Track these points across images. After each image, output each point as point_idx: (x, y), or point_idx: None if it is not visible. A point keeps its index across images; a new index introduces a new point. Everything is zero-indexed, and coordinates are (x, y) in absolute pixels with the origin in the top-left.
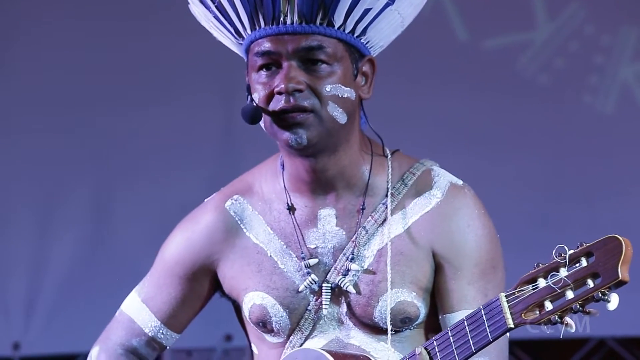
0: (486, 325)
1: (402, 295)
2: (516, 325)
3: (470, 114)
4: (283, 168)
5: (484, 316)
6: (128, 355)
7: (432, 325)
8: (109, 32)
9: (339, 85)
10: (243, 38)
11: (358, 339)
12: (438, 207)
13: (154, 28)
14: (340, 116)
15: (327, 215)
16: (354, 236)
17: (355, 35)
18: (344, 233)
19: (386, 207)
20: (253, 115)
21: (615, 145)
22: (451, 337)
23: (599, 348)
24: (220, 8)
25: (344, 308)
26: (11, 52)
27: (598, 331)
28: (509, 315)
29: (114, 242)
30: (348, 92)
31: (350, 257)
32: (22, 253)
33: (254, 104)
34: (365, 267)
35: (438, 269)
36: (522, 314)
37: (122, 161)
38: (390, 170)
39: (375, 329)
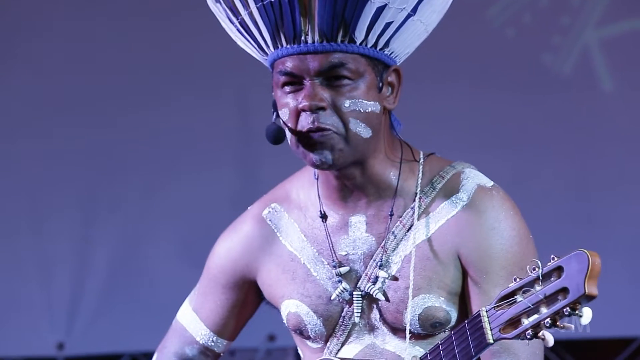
0: (470, 340)
1: (430, 301)
2: (495, 341)
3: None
4: (317, 177)
5: (467, 331)
6: None
7: None
8: (130, 32)
9: (361, 100)
10: (267, 54)
11: (393, 344)
12: (463, 211)
13: (178, 30)
14: (364, 131)
15: (358, 221)
16: (383, 242)
17: (378, 48)
18: (374, 239)
19: (414, 212)
20: (276, 135)
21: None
22: (442, 351)
23: None
24: (244, 24)
25: (376, 314)
26: (45, 52)
27: None
28: (488, 331)
29: (155, 244)
30: (372, 106)
31: (379, 263)
32: (65, 255)
33: (277, 125)
34: (393, 273)
35: (465, 273)
36: (501, 329)
37: (156, 164)
38: (420, 174)
39: (409, 334)
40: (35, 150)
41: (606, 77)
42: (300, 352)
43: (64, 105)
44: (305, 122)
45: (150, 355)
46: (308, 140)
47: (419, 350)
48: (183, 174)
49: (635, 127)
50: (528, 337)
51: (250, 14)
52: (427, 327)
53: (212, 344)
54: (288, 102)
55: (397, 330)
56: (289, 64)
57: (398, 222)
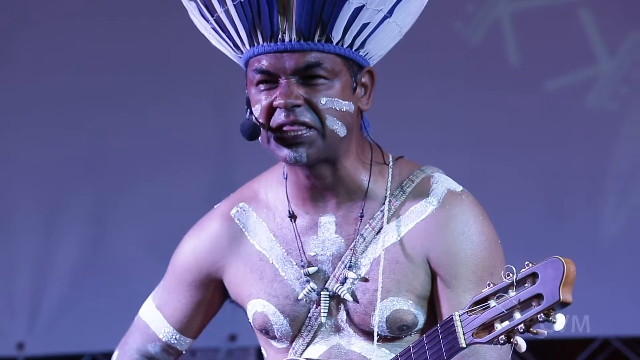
0: (442, 344)
1: (398, 304)
2: (467, 345)
3: None
4: (286, 177)
5: (440, 334)
6: None
7: None
8: (106, 32)
9: (337, 99)
10: (242, 52)
11: (359, 345)
12: (433, 215)
13: (150, 30)
14: (340, 129)
15: (327, 222)
16: (352, 244)
17: (353, 49)
18: (343, 240)
19: (383, 215)
20: (251, 131)
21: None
22: (413, 355)
23: (604, 348)
24: (219, 22)
25: (343, 315)
26: (14, 51)
27: (603, 331)
28: (461, 335)
29: (118, 244)
30: (347, 106)
31: (347, 265)
32: (27, 254)
33: (252, 121)
34: (362, 275)
35: (434, 276)
36: (474, 334)
37: (124, 163)
38: (390, 177)
39: (376, 336)
40: None
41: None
42: (264, 351)
43: (31, 105)
44: (279, 117)
45: (111, 355)
46: (282, 136)
47: (385, 352)
48: (155, 174)
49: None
50: (501, 342)
51: (227, 12)
52: (395, 330)
53: (175, 341)
54: (261, 98)
55: (363, 331)
56: (265, 62)
57: (367, 225)
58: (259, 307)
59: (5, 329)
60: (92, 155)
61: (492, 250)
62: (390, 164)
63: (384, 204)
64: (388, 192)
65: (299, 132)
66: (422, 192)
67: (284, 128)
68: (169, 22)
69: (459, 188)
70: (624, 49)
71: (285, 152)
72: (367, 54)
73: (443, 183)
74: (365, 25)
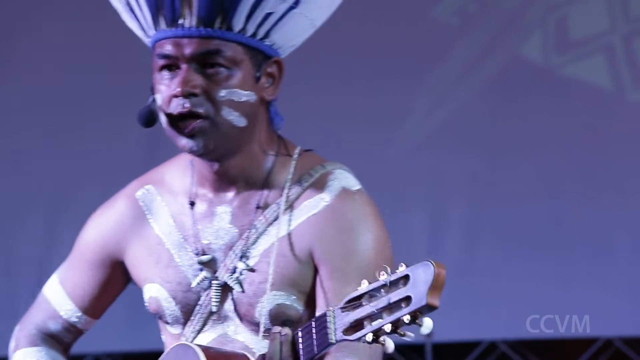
0: (314, 338)
1: (281, 298)
2: (337, 341)
3: None
4: (193, 163)
5: (313, 329)
6: (42, 337)
7: None
8: (110, 32)
9: (236, 89)
10: (149, 36)
11: (244, 335)
12: (324, 211)
13: None
14: (237, 120)
15: (223, 212)
16: (245, 234)
17: (257, 38)
18: (237, 231)
19: (279, 207)
20: (147, 118)
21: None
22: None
23: (606, 348)
24: (130, 4)
25: (231, 305)
26: (17, 52)
27: (605, 331)
28: (332, 331)
29: None
30: (246, 96)
31: (239, 255)
32: (29, 254)
33: (149, 107)
34: (251, 266)
35: (317, 270)
36: (344, 331)
37: (129, 163)
38: (292, 169)
39: (261, 328)
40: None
41: None
42: (162, 337)
43: (35, 105)
44: (176, 106)
45: (114, 356)
46: (179, 124)
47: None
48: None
49: None
50: (368, 340)
51: None
52: (278, 323)
53: (76, 319)
54: (164, 86)
55: (248, 322)
56: (166, 48)
57: (261, 216)
58: (154, 291)
59: (7, 330)
60: (97, 156)
61: (378, 249)
62: (295, 156)
63: (281, 196)
64: (287, 184)
65: (194, 123)
66: (318, 187)
67: (180, 116)
68: None
69: (356, 187)
70: None
71: (183, 141)
72: (274, 44)
73: (340, 180)
74: (268, 15)
